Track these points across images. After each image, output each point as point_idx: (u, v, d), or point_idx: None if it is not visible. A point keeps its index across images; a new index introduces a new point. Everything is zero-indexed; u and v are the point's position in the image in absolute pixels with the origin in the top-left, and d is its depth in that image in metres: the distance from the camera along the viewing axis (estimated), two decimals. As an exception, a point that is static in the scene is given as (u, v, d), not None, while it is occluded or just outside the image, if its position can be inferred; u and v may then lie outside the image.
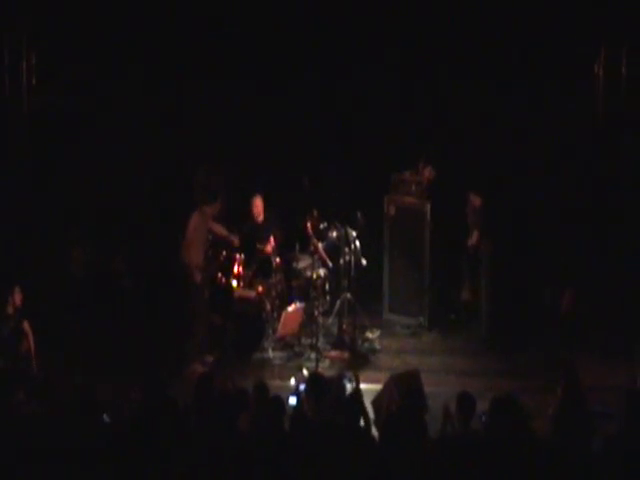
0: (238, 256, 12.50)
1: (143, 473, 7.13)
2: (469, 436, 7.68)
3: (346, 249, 12.64)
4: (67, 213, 13.81)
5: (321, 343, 12.26)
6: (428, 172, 13.11)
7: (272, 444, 7.37)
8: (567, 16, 12.97)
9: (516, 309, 12.81)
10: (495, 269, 12.79)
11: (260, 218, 12.88)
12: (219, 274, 12.45)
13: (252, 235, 12.78)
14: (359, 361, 12.17)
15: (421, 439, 7.47)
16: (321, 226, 12.75)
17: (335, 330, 12.79)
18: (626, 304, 12.09)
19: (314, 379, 8.72)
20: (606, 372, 11.05)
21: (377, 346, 12.63)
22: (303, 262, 12.83)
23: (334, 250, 12.86)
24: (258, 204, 12.87)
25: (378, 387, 10.18)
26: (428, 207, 13.13)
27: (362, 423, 8.15)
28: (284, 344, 12.48)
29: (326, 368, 11.83)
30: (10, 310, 11.25)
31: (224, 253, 12.46)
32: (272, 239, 12.60)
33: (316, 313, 12.26)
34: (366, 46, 13.75)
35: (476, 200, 12.79)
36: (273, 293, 12.53)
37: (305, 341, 12.52)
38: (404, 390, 9.68)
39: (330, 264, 12.78)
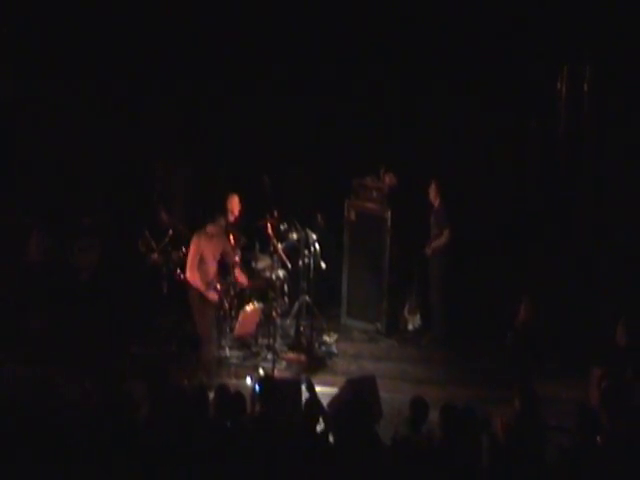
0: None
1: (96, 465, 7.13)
2: (420, 441, 7.76)
3: (306, 251, 12.67)
4: (26, 199, 13.68)
5: (278, 344, 12.27)
6: (389, 179, 13.15)
7: (232, 442, 7.40)
8: (530, 32, 13.07)
9: (471, 320, 12.94)
10: (448, 280, 12.90)
11: (234, 216, 12.76)
12: (177, 270, 12.40)
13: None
14: (316, 364, 12.19)
15: (373, 444, 7.56)
16: (281, 227, 12.75)
17: (292, 332, 12.82)
18: (583, 317, 12.21)
19: (266, 381, 8.77)
20: (561, 385, 11.16)
21: (334, 350, 12.67)
22: (262, 262, 12.82)
23: (294, 252, 12.88)
24: (234, 204, 12.71)
25: (334, 391, 10.21)
26: (389, 213, 13.18)
27: (322, 427, 8.19)
28: (241, 343, 12.47)
29: (283, 369, 11.86)
30: None
31: (183, 249, 12.40)
32: (231, 238, 12.55)
33: (274, 314, 12.26)
34: (332, 48, 13.77)
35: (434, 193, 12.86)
36: (231, 292, 12.49)
37: (262, 341, 12.51)
38: (358, 395, 9.71)
39: (289, 265, 12.78)
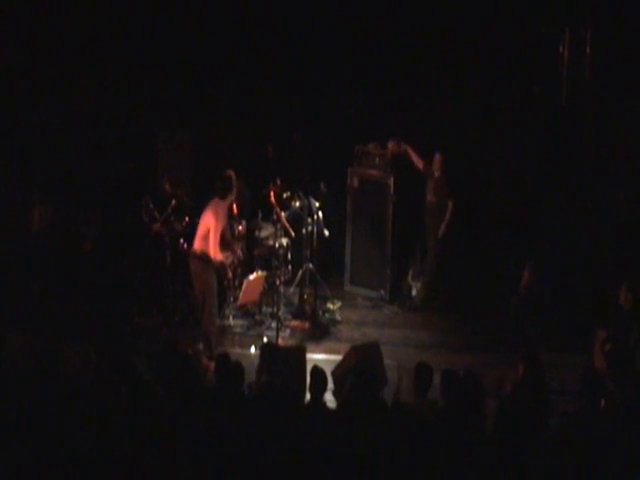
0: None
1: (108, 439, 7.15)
2: (424, 405, 7.79)
3: (309, 219, 12.66)
4: (29, 173, 13.67)
5: (282, 312, 12.26)
6: (392, 145, 13.11)
7: (231, 409, 7.43)
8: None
9: (475, 285, 12.95)
10: (447, 248, 12.91)
11: None
12: (181, 240, 12.39)
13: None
14: (319, 331, 12.22)
15: (378, 410, 7.58)
16: (284, 195, 12.74)
17: (296, 300, 12.83)
18: (586, 283, 12.20)
19: (268, 349, 8.79)
20: (565, 350, 11.18)
21: (338, 317, 12.67)
22: (265, 231, 12.81)
23: (297, 220, 12.87)
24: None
25: (338, 358, 10.25)
26: (391, 180, 13.15)
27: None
28: (245, 312, 12.48)
29: (286, 337, 11.88)
30: None
31: (186, 219, 12.39)
32: (235, 206, 12.52)
33: (277, 282, 12.26)
34: (335, 19, 13.72)
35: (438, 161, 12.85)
36: (235, 261, 12.50)
37: (266, 310, 12.52)
38: (362, 362, 9.74)
39: (292, 234, 12.77)
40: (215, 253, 10.99)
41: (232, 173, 11.23)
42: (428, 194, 12.92)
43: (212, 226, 10.94)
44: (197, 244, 11.09)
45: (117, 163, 14.17)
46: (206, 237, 11.05)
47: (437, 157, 12.78)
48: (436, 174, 12.81)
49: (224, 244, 11.38)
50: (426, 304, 13.00)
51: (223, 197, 11.09)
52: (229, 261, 11.68)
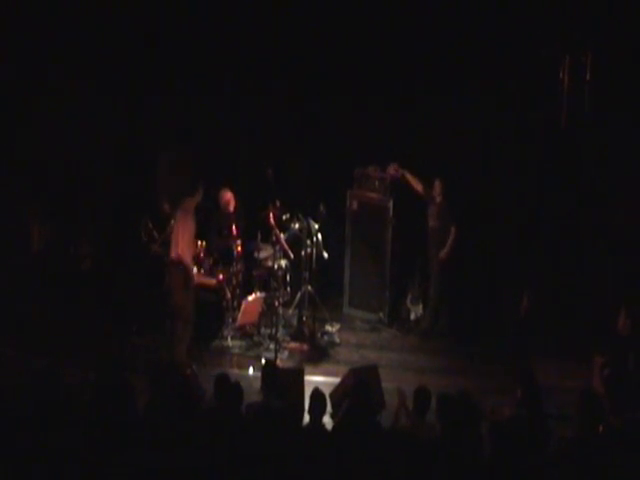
0: (199, 243, 12.45)
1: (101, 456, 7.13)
2: (423, 429, 7.77)
3: (308, 241, 12.67)
4: (28, 189, 13.68)
5: (280, 334, 12.28)
6: (393, 169, 13.14)
7: (230, 430, 7.41)
8: (532, 21, 13.04)
9: (473, 310, 12.94)
10: (451, 272, 12.91)
11: (230, 209, 12.80)
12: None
13: (219, 225, 12.76)
14: (318, 354, 12.22)
15: (374, 434, 7.56)
16: (283, 217, 12.75)
17: (295, 322, 12.83)
18: (585, 308, 12.20)
19: (269, 368, 8.78)
20: (563, 374, 11.16)
21: (336, 340, 12.68)
22: (265, 252, 12.83)
23: (296, 242, 12.88)
24: (227, 196, 12.79)
25: (336, 380, 10.23)
26: (391, 203, 13.17)
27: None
28: (243, 333, 12.51)
29: (285, 359, 11.87)
30: None
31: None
32: (234, 228, 12.55)
33: (276, 304, 12.27)
34: (335, 37, 13.74)
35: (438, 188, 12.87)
36: (234, 282, 12.51)
37: (264, 331, 12.54)
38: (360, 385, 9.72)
39: (291, 255, 12.78)
40: (184, 253, 11.20)
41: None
42: (430, 219, 12.95)
43: (184, 226, 11.24)
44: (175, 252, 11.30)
45: (117, 183, 14.17)
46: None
47: (437, 183, 12.83)
48: (437, 199, 12.84)
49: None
50: (433, 329, 13.02)
51: (192, 194, 11.37)
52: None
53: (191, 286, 11.36)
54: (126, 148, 14.14)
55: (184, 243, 11.26)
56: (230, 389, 7.93)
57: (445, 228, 12.80)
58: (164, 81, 13.92)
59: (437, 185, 12.83)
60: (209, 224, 12.67)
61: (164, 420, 7.60)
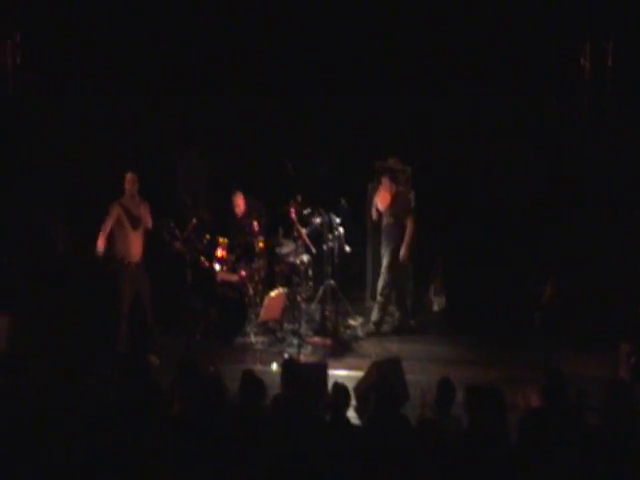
0: (222, 240, 12.46)
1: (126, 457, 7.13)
2: (448, 422, 7.72)
3: (329, 236, 12.63)
4: (53, 191, 13.73)
5: (303, 329, 12.27)
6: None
7: (253, 427, 7.39)
8: (553, 9, 12.97)
9: (498, 300, 12.87)
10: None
11: (240, 213, 12.82)
12: (202, 257, 12.40)
13: (236, 227, 12.77)
14: (341, 348, 12.17)
15: (401, 426, 7.52)
16: (305, 212, 12.73)
17: (318, 316, 12.81)
18: (610, 295, 12.12)
19: (289, 365, 8.75)
20: (589, 363, 11.08)
21: (359, 333, 12.64)
22: (286, 248, 12.81)
23: (317, 236, 12.85)
24: (238, 201, 12.81)
25: (360, 374, 10.18)
26: (412, 195, 13.11)
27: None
28: (266, 329, 12.46)
29: (308, 354, 11.84)
30: None
31: (207, 237, 12.41)
32: (256, 224, 12.54)
33: (299, 299, 12.28)
34: (350, 30, 13.71)
35: None
36: (256, 278, 12.50)
37: (287, 327, 12.51)
38: (384, 378, 9.69)
39: (313, 250, 12.76)
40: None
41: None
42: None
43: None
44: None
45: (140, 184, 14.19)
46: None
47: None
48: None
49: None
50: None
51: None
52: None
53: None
54: (144, 147, 14.14)
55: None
56: (254, 385, 7.91)
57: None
58: (181, 83, 13.94)
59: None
60: (228, 223, 12.67)
61: (192, 417, 7.60)
